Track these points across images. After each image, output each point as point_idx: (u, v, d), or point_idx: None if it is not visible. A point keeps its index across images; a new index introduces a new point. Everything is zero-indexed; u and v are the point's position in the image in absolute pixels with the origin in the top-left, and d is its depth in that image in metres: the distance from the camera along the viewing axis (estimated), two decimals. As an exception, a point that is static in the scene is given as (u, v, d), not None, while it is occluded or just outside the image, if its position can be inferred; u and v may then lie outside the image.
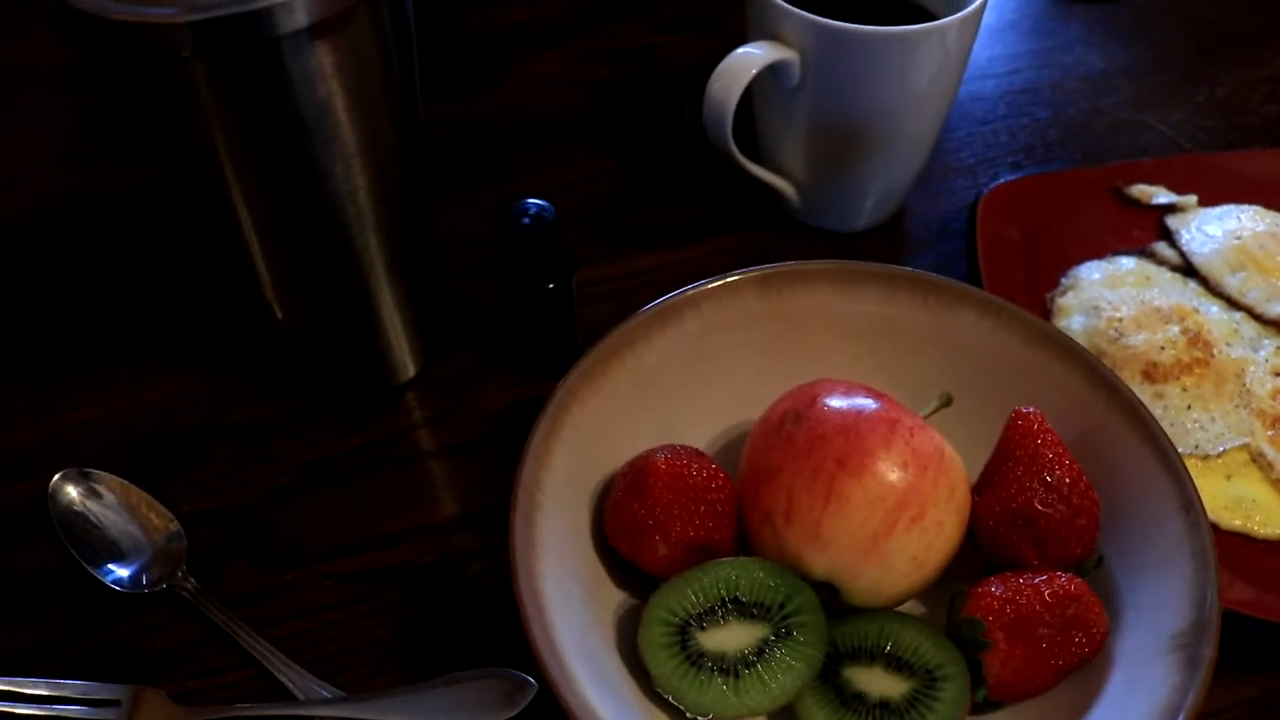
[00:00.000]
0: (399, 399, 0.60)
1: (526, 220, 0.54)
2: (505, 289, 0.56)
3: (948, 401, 0.49)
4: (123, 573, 0.51)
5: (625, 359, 0.49)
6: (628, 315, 0.50)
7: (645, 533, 0.45)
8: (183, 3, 0.40)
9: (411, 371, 0.60)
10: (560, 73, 0.77)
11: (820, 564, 0.44)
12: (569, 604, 0.43)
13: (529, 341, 0.59)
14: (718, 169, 0.62)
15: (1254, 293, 0.60)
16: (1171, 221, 0.64)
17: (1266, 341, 0.58)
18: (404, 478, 0.56)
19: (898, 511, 0.43)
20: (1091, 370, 0.48)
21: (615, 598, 0.47)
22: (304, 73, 0.44)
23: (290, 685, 0.48)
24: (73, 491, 0.53)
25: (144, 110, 0.46)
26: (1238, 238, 0.61)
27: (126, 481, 0.54)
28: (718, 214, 0.67)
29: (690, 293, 0.50)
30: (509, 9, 0.83)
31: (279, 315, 0.55)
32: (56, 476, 0.53)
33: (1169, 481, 0.44)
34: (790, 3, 0.56)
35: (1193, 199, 0.65)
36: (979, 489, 0.46)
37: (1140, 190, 0.66)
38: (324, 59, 0.44)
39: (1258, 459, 0.54)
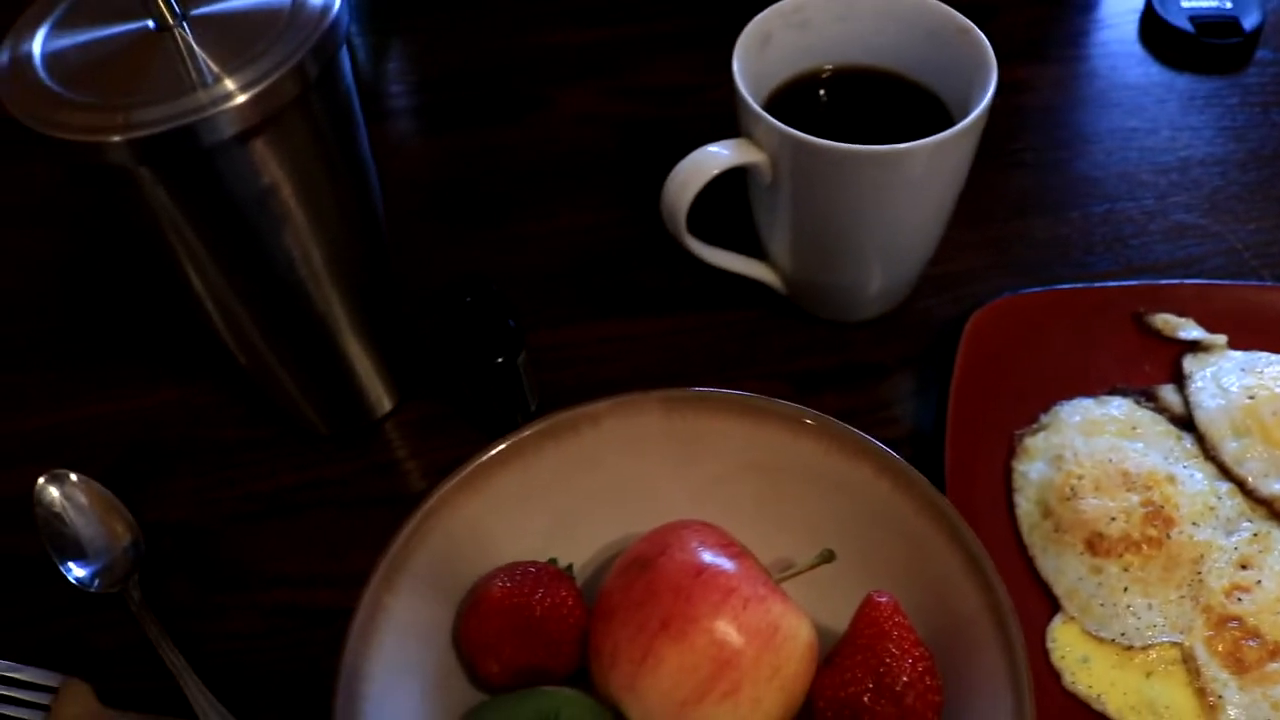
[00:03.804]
0: (373, 436, 0.62)
1: (465, 301, 0.55)
2: (448, 366, 0.58)
3: (829, 558, 0.47)
4: (82, 572, 0.57)
5: (512, 468, 0.49)
6: (590, 385, 0.54)
7: (478, 651, 0.46)
8: (122, 117, 0.43)
9: (387, 406, 0.63)
10: (596, 107, 0.76)
11: (635, 715, 0.44)
12: (406, 701, 0.45)
13: (479, 407, 0.60)
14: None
15: (1252, 463, 0.54)
16: (1188, 363, 0.58)
17: (1245, 524, 0.52)
18: (347, 521, 0.59)
19: (710, 683, 0.43)
20: (972, 559, 0.45)
21: (471, 697, 0.48)
22: (241, 170, 0.47)
23: (196, 706, 0.53)
24: (54, 491, 0.59)
25: (106, 211, 0.50)
26: (1251, 396, 0.55)
27: (103, 487, 0.59)
28: (711, 284, 0.64)
29: (590, 408, 0.50)
30: (558, 31, 0.82)
31: (245, 363, 0.58)
32: (42, 478, 0.59)
33: (1012, 703, 0.42)
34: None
35: (1222, 339, 0.58)
36: (825, 665, 0.45)
37: (1164, 321, 0.59)
38: (260, 155, 0.47)
39: (1188, 660, 0.49)
